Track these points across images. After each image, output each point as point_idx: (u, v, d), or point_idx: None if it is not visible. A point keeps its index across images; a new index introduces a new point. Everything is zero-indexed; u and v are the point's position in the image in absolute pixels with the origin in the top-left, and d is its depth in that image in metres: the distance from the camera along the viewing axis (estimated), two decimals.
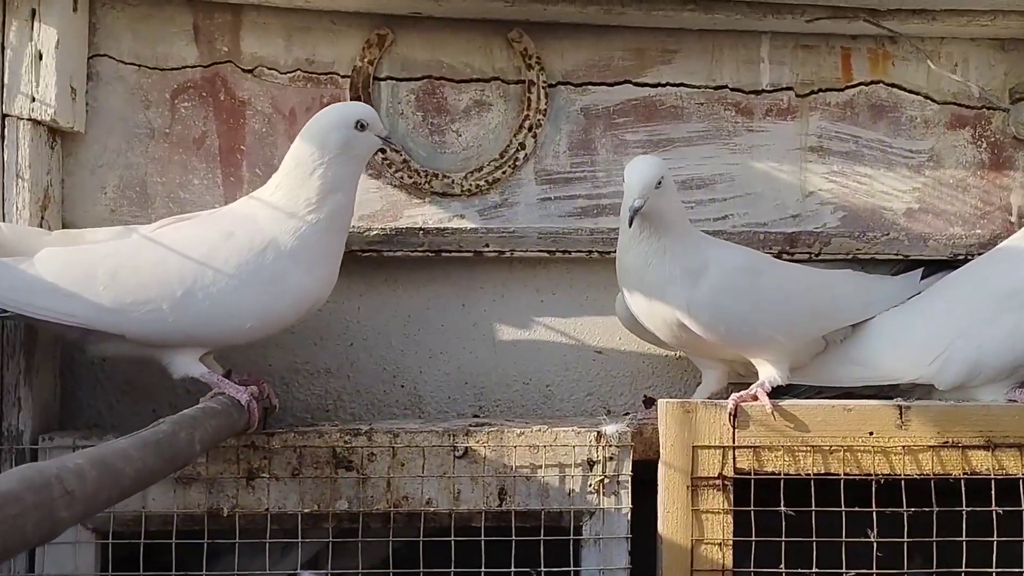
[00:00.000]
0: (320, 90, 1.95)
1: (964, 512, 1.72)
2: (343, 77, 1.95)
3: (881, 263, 2.02)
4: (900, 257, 2.01)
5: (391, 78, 1.98)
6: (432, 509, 1.70)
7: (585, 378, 2.05)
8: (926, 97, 2.01)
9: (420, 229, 1.94)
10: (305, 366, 1.99)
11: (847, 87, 2.01)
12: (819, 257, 2.00)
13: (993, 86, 2.01)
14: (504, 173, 1.97)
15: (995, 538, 1.72)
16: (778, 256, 1.99)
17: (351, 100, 1.92)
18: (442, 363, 2.02)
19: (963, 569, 1.72)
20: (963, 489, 1.74)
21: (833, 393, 1.93)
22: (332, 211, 1.64)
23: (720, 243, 1.84)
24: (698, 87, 2.00)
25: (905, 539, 1.72)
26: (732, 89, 2.01)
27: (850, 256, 2.00)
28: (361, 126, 1.65)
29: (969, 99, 2.00)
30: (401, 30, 1.96)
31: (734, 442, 1.74)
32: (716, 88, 2.00)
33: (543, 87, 1.97)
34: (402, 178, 1.95)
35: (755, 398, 1.75)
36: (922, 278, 1.97)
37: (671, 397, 1.90)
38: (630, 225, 1.66)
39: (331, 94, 1.95)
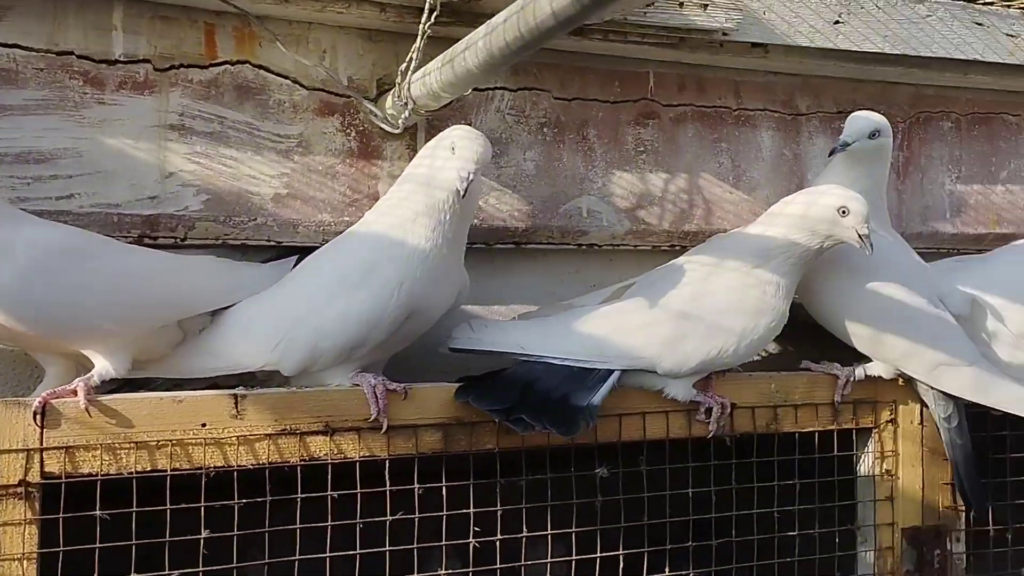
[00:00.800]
0: None
1: (299, 499, 1.72)
2: None
3: (255, 250, 1.97)
4: (273, 244, 1.97)
5: None
6: None
7: None
8: (295, 82, 1.98)
9: None
10: None
11: (212, 65, 1.92)
12: (185, 242, 1.90)
13: (362, 76, 2.03)
14: None
15: (329, 523, 1.74)
16: (139, 241, 1.86)
17: None
18: None
19: (297, 557, 1.72)
20: (299, 476, 1.73)
21: (199, 386, 1.84)
22: None
23: (37, 222, 1.66)
24: (37, 51, 1.79)
25: (235, 532, 1.67)
26: (80, 56, 1.82)
27: (220, 242, 1.93)
28: None
29: (338, 87, 2.01)
30: None
31: (42, 444, 1.57)
32: (60, 54, 1.81)
33: None
34: None
35: (75, 393, 1.60)
36: (295, 265, 1.95)
37: (16, 397, 1.68)
38: None
39: None
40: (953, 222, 2.58)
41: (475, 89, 2.06)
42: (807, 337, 2.29)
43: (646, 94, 2.28)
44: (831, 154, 2.12)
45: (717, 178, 2.35)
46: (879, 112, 2.49)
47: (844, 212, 1.92)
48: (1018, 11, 2.40)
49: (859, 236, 1.94)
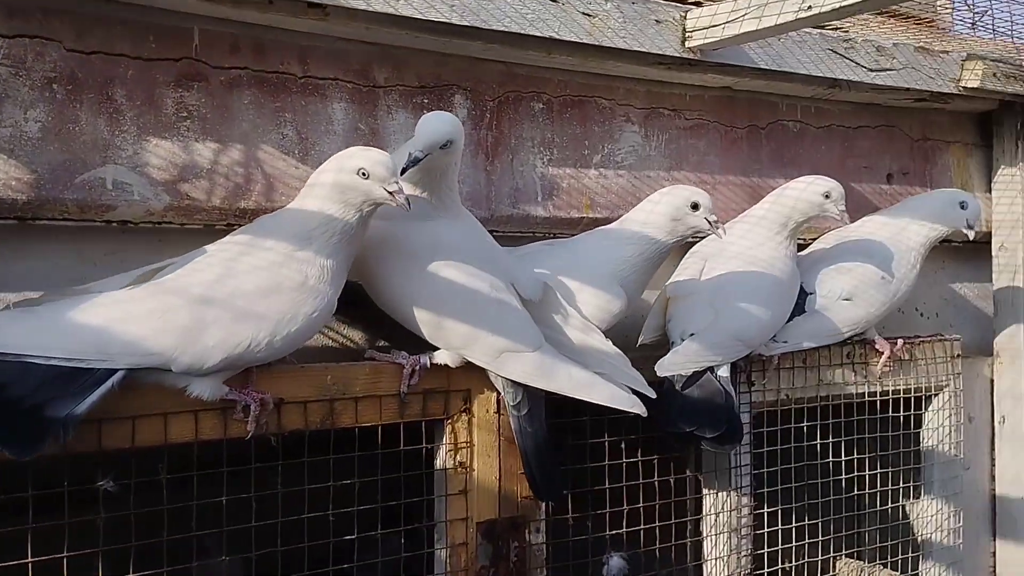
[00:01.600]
0: None
1: None
2: None
3: None
4: None
5: None
6: None
7: None
8: None
9: None
10: None
11: None
12: None
13: None
14: None
15: None
16: None
17: None
18: None
19: None
20: None
21: None
22: None
23: None
24: None
25: None
26: None
27: None
28: None
29: None
30: None
31: None
32: None
33: None
34: None
35: None
36: None
37: None
38: None
39: None
40: (545, 205, 2.52)
41: None
42: (386, 325, 2.14)
43: (190, 53, 2.01)
44: (403, 172, 1.91)
45: (280, 151, 2.13)
46: (465, 89, 2.40)
47: (364, 174, 1.77)
48: None
49: (388, 193, 1.79)
